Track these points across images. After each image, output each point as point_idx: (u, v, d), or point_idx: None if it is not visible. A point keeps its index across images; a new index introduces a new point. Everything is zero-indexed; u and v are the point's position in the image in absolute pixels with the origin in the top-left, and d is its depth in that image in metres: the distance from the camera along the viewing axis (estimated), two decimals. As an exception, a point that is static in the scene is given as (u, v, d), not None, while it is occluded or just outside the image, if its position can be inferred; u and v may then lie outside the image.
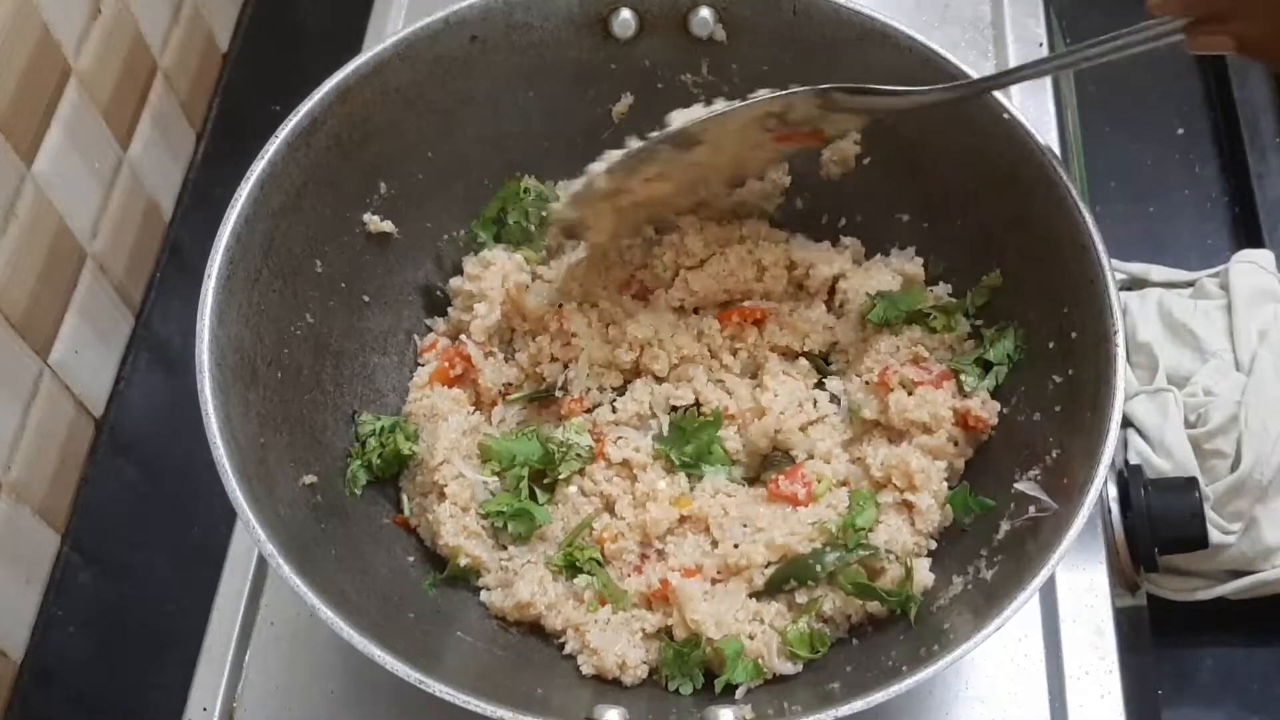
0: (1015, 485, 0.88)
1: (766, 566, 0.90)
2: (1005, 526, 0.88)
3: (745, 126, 0.94)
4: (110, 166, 1.21)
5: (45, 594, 1.12)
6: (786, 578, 0.90)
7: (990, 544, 0.88)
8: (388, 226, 1.00)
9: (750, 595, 0.90)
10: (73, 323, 1.15)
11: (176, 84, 1.33)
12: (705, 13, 1.00)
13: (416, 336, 1.04)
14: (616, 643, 0.88)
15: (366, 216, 0.99)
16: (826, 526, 0.91)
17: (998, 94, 0.94)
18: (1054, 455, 0.87)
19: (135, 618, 1.12)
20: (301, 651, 0.98)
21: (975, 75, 0.93)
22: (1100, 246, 0.87)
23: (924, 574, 0.89)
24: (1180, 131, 1.40)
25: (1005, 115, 0.92)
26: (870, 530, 0.91)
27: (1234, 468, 1.10)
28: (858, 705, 0.75)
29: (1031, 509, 0.85)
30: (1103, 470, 0.80)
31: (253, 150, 0.90)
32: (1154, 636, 1.08)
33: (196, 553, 1.04)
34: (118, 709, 1.08)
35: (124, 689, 1.09)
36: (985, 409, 0.95)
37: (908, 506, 0.93)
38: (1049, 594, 0.98)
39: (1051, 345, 0.91)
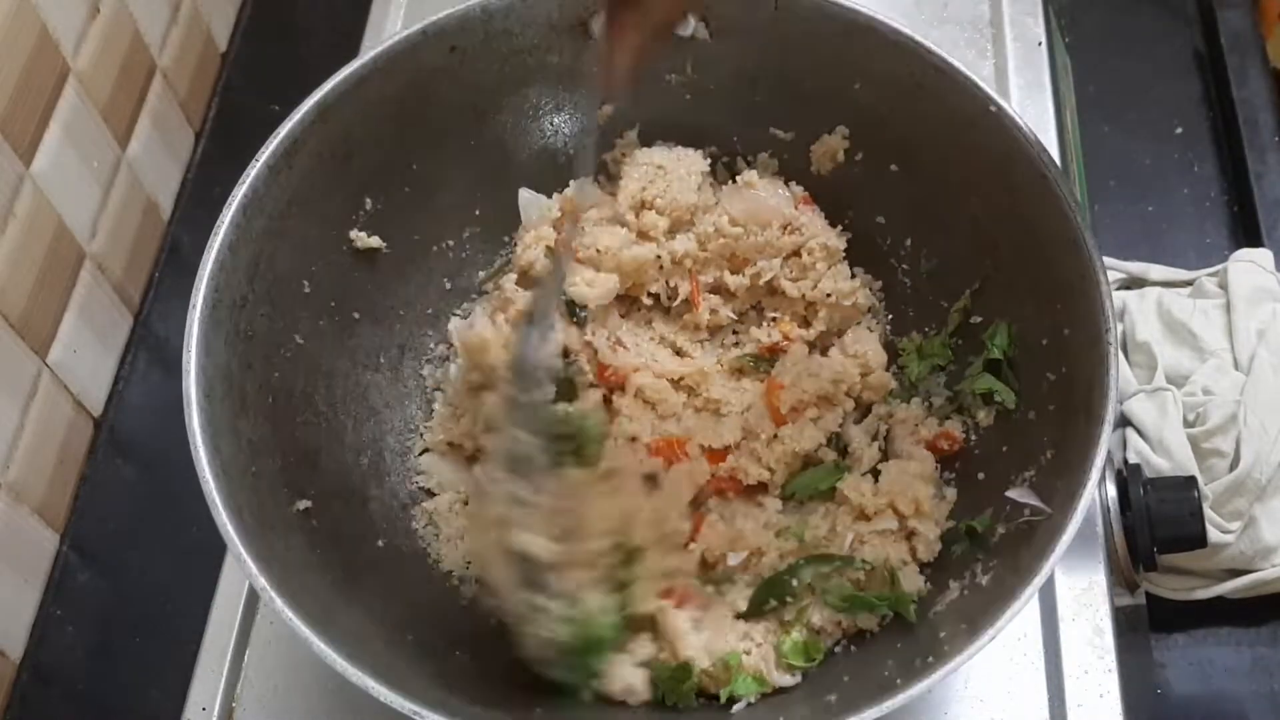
0: (1008, 492, 0.88)
1: (744, 569, 0.91)
2: (1000, 530, 0.87)
3: None
4: (109, 166, 1.21)
5: (44, 594, 1.12)
6: (766, 598, 0.90)
7: (986, 549, 0.88)
8: (375, 242, 1.00)
9: (736, 617, 0.90)
10: (71, 322, 1.15)
11: (175, 83, 1.33)
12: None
13: (410, 352, 1.04)
14: (622, 669, 0.88)
15: (353, 233, 0.99)
16: (792, 531, 0.91)
17: (988, 88, 0.93)
18: (1048, 456, 0.87)
19: (134, 617, 1.12)
20: (301, 650, 0.96)
21: (962, 68, 0.93)
22: (1091, 242, 0.87)
23: (913, 579, 0.89)
24: (1179, 131, 1.40)
25: (993, 108, 0.92)
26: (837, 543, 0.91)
27: (1233, 467, 1.10)
28: None
29: (1026, 513, 0.85)
30: (1095, 475, 0.80)
31: (252, 150, 0.90)
32: (1153, 635, 1.08)
33: (196, 552, 1.03)
34: (117, 708, 1.08)
35: (123, 688, 1.09)
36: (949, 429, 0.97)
37: (908, 535, 0.92)
38: (1048, 593, 0.97)
39: (1045, 342, 0.91)
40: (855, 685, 0.84)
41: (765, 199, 1.01)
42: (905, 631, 0.87)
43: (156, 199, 1.30)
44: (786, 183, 1.05)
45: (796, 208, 1.03)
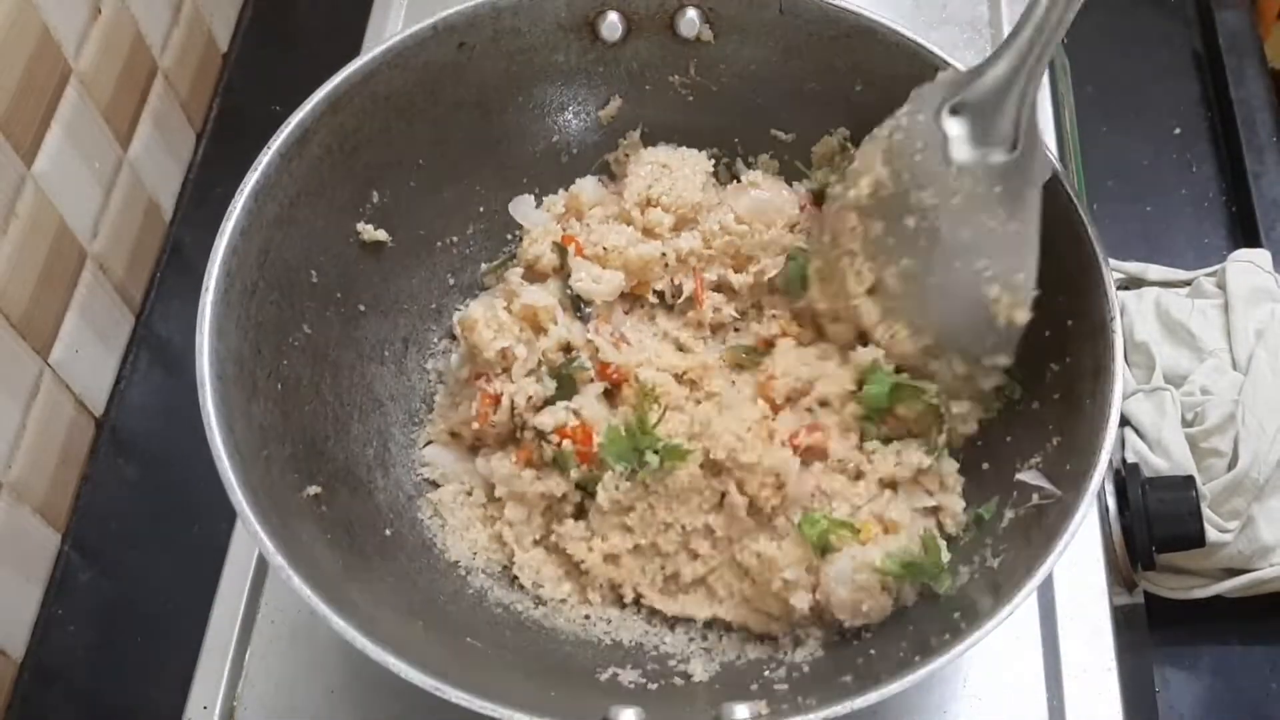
0: (1017, 475, 0.88)
1: None
2: (1009, 515, 0.88)
3: None
4: (111, 166, 1.21)
5: (46, 593, 1.12)
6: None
7: (995, 533, 0.88)
8: (381, 235, 1.00)
9: None
10: (73, 322, 1.15)
11: (176, 84, 1.33)
12: (692, 14, 1.00)
13: (414, 346, 1.05)
14: None
15: (360, 225, 0.99)
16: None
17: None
18: (1055, 442, 0.88)
19: (136, 616, 1.12)
20: (302, 649, 0.98)
21: (962, 68, 0.93)
22: (1093, 234, 0.88)
23: (942, 551, 0.90)
24: (1177, 131, 1.40)
25: None
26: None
27: (1231, 466, 1.10)
28: (872, 697, 0.76)
29: (1035, 496, 0.86)
30: (1105, 455, 0.81)
31: (253, 150, 0.91)
32: (1151, 634, 1.08)
33: (197, 551, 1.04)
34: (118, 707, 1.08)
35: (124, 687, 1.09)
36: None
37: (934, 510, 0.93)
38: (1046, 592, 0.98)
39: (1048, 333, 0.91)
40: (869, 667, 0.84)
41: (770, 198, 1.02)
42: (918, 616, 0.87)
43: (158, 199, 1.31)
44: (789, 183, 1.05)
45: (803, 209, 1.03)
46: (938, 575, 0.88)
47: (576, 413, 0.95)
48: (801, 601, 0.89)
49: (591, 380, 0.98)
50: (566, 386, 0.97)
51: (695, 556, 0.93)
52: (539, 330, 0.98)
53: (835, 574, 0.88)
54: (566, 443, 0.94)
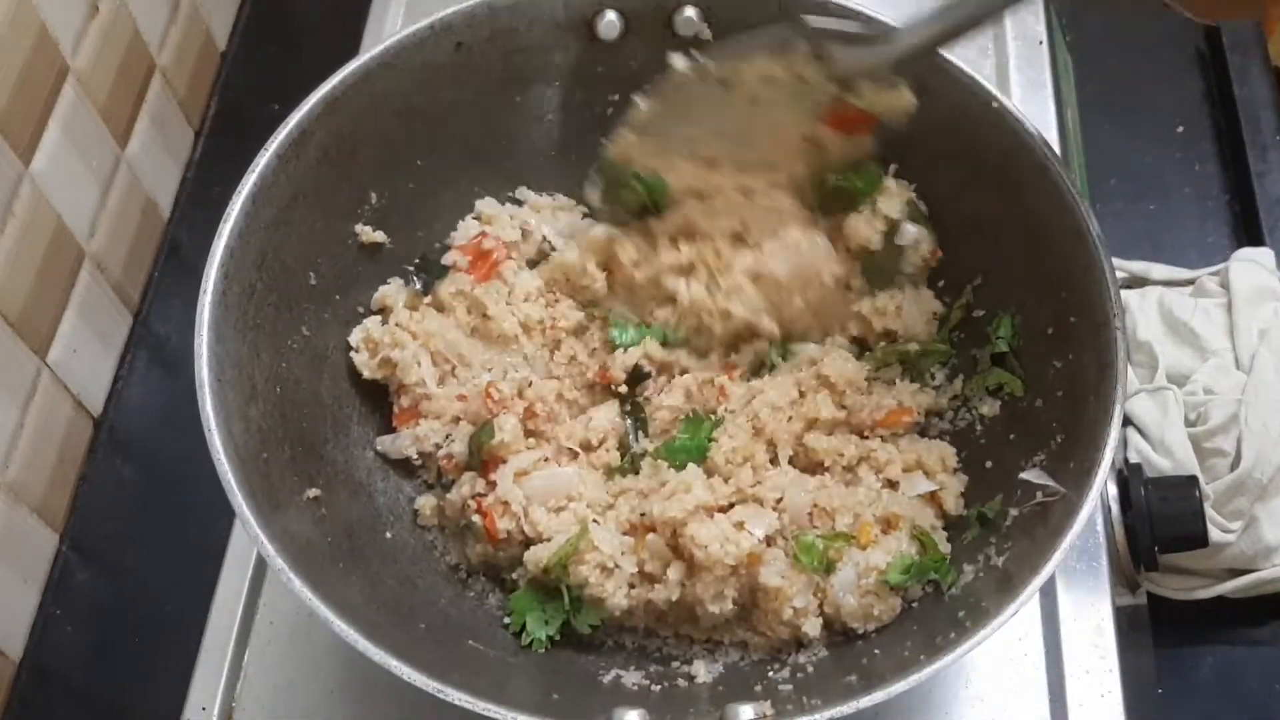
0: (1021, 474, 0.88)
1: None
2: (1013, 513, 0.88)
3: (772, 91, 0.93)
4: (108, 165, 1.21)
5: (44, 593, 1.12)
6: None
7: (999, 531, 0.88)
8: (379, 236, 1.00)
9: None
10: (71, 321, 1.15)
11: (174, 83, 1.33)
12: (690, 12, 1.00)
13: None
14: None
15: (358, 227, 0.99)
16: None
17: (989, 85, 0.94)
18: (1058, 440, 0.87)
19: (134, 617, 1.12)
20: (301, 650, 0.97)
21: (963, 66, 0.93)
22: (1095, 230, 0.87)
23: (941, 542, 0.89)
24: (1180, 130, 1.40)
25: (994, 104, 0.92)
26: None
27: (1234, 466, 1.10)
28: (878, 696, 0.75)
29: (1039, 495, 0.86)
30: (1109, 452, 0.80)
31: (251, 149, 0.90)
32: (1154, 635, 1.08)
33: (195, 551, 1.03)
34: (116, 708, 1.09)
35: (123, 688, 1.09)
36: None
37: (935, 498, 0.93)
38: (1049, 592, 0.97)
39: (1050, 331, 0.91)
40: (874, 666, 0.84)
41: (808, 251, 0.99)
42: (922, 615, 0.87)
43: (155, 198, 1.30)
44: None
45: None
46: (941, 566, 0.88)
47: (492, 483, 0.92)
48: (814, 628, 0.87)
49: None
50: (476, 459, 0.94)
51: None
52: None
53: (841, 584, 0.87)
54: (476, 516, 0.92)
